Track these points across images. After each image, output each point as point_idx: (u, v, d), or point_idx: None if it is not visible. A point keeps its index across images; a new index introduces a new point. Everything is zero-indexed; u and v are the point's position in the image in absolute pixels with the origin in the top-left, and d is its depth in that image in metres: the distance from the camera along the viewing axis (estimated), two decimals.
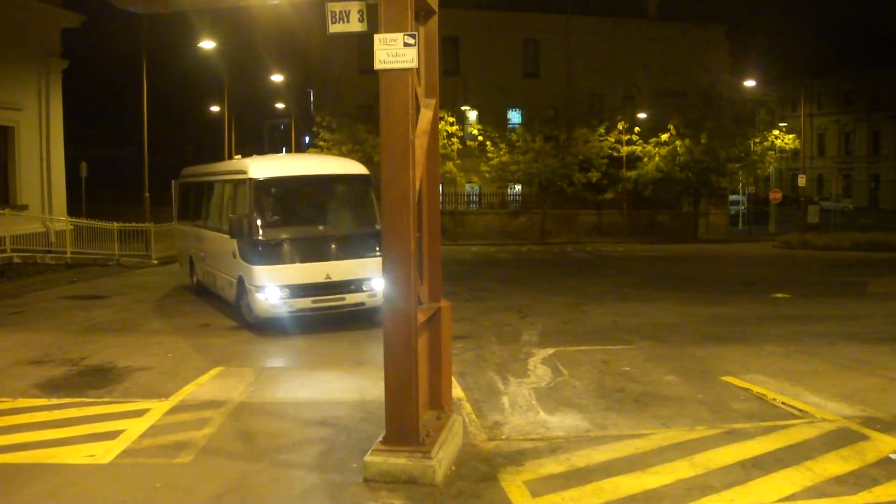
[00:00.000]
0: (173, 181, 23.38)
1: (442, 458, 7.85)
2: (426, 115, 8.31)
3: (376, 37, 7.56)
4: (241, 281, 16.52)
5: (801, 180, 53.60)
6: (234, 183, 17.77)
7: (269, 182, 16.86)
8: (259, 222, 16.06)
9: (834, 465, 8.38)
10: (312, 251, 16.35)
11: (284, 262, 15.96)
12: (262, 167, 17.39)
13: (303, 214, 17.49)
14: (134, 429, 9.63)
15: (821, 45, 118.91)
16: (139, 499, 7.64)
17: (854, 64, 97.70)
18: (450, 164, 47.20)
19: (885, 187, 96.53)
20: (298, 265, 16.03)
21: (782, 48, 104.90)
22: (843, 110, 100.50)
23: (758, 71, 61.02)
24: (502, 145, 49.03)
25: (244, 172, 17.05)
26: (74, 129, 45.43)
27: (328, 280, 16.01)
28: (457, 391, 11.10)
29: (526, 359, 13.71)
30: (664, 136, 50.05)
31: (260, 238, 15.91)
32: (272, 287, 15.64)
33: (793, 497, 7.53)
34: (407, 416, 7.68)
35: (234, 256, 16.60)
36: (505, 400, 11.04)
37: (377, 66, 7.57)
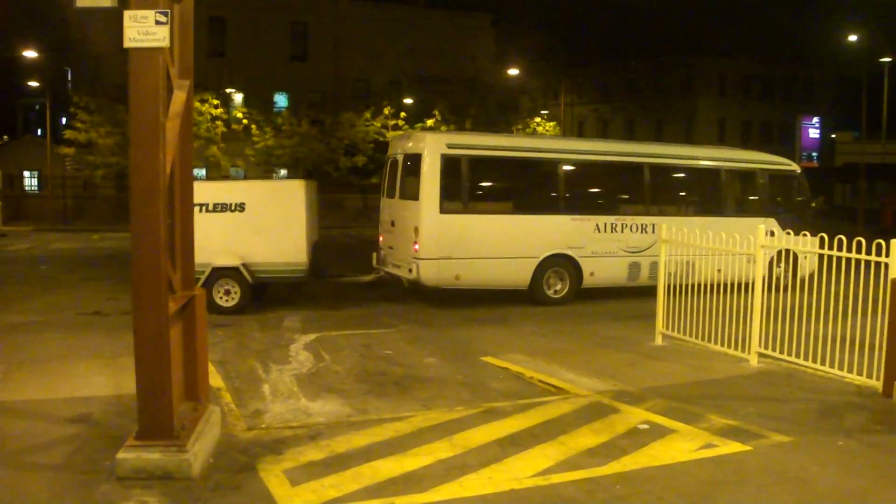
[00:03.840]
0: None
1: (198, 450, 7.62)
2: (179, 97, 8.03)
3: (126, 13, 7.21)
4: None
5: None
6: None
7: None
8: None
9: (586, 438, 8.72)
10: None
11: None
12: None
13: None
14: None
15: (582, 37, 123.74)
16: None
17: (612, 56, 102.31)
18: (214, 148, 46.31)
19: None
20: None
21: (546, 39, 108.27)
22: (601, 100, 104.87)
23: (522, 60, 62.78)
24: (268, 129, 48.48)
25: None
26: None
27: None
28: (216, 380, 10.84)
29: (288, 345, 13.56)
30: (430, 122, 50.79)
31: None
32: None
33: (547, 471, 7.76)
34: (160, 409, 7.40)
35: None
36: (266, 388, 10.86)
37: (126, 44, 7.22)
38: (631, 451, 8.33)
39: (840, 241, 11.00)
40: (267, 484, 7.42)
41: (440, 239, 17.12)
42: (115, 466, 7.45)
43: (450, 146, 17.73)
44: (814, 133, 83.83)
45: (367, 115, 50.10)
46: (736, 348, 12.44)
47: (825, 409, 9.95)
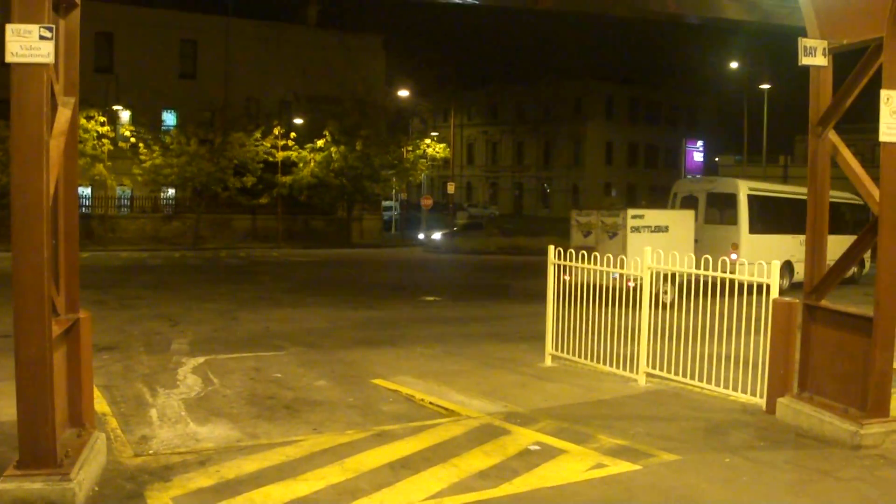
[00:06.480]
0: None
1: (83, 479, 7.39)
2: (64, 115, 7.82)
3: (8, 27, 6.99)
4: None
5: (451, 187, 56.13)
6: None
7: None
8: None
9: (478, 460, 8.70)
10: None
11: None
12: None
13: None
14: None
15: (471, 60, 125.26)
16: None
17: (501, 79, 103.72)
18: (100, 166, 45.40)
19: (528, 195, 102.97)
20: None
21: (436, 61, 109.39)
22: (490, 122, 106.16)
23: (412, 81, 63.08)
24: (156, 147, 47.71)
25: None
26: None
27: None
28: (102, 406, 10.55)
29: (176, 368, 13.28)
30: (320, 143, 50.67)
31: None
32: None
33: (439, 494, 7.72)
34: (42, 436, 7.16)
35: None
36: (153, 412, 10.61)
37: (9, 58, 7.00)
38: (522, 472, 8.35)
39: (724, 262, 11.33)
40: None
41: (750, 250, 24.15)
42: None
43: (751, 189, 26.62)
44: (698, 156, 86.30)
45: (258, 134, 49.69)
46: (625, 368, 12.66)
47: (711, 427, 10.17)
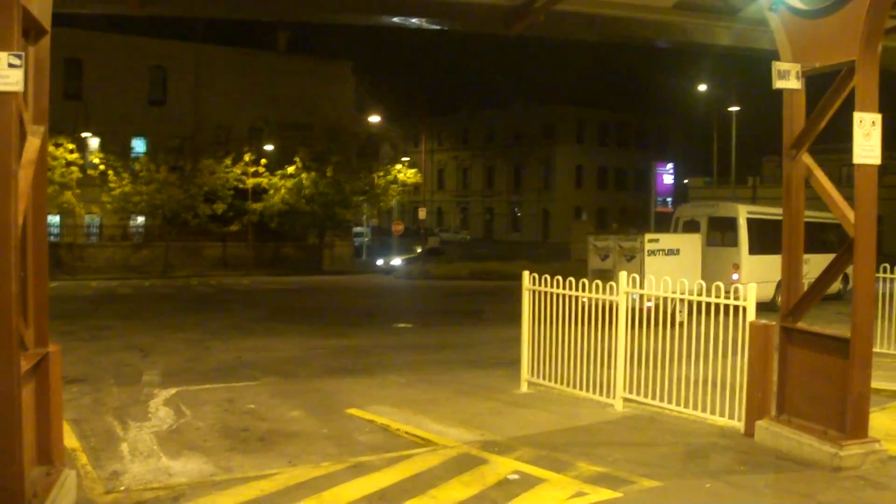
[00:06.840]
0: None
1: None
2: (33, 144, 7.67)
3: None
4: None
5: (422, 213, 56.07)
6: None
7: None
8: None
9: (457, 490, 8.57)
10: None
11: None
12: None
13: None
14: None
15: (442, 86, 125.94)
16: None
17: (471, 104, 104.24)
18: (68, 194, 45.04)
19: (499, 219, 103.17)
20: None
21: (405, 86, 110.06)
22: (461, 147, 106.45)
23: (383, 107, 63.15)
24: (125, 175, 47.39)
25: None
26: None
27: None
28: (71, 441, 10.32)
29: (147, 401, 13.06)
30: (290, 169, 50.47)
31: None
32: None
33: None
34: (10, 476, 6.95)
35: None
36: (125, 447, 10.40)
37: None
38: (502, 502, 8.24)
39: (700, 285, 11.30)
40: None
41: (750, 270, 25.70)
42: None
43: (749, 212, 28.02)
44: (668, 179, 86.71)
45: (228, 161, 49.49)
46: (601, 393, 12.54)
47: (691, 451, 10.10)
